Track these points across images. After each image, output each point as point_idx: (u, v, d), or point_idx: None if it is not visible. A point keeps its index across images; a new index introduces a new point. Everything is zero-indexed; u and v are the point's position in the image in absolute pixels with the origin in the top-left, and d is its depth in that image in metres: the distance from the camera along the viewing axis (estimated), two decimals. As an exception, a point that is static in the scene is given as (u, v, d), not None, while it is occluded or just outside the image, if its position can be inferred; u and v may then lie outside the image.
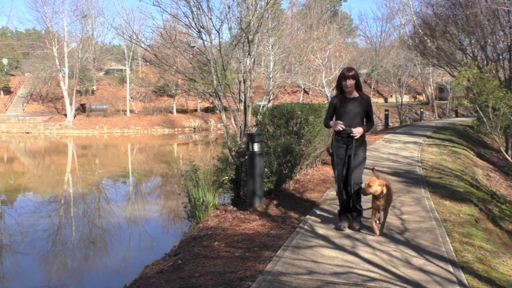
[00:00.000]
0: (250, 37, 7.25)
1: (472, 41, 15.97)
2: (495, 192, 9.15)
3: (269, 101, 15.96)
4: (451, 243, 4.23)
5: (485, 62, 15.53)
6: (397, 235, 4.40)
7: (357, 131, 4.33)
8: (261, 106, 8.73)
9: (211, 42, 7.34)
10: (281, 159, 6.23)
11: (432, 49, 18.26)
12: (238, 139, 7.18)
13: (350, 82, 4.40)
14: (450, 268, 3.54)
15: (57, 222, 9.44)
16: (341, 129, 4.35)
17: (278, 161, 6.13)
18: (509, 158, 11.03)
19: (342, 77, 4.44)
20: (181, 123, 35.82)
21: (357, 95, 4.50)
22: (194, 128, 35.63)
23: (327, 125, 4.69)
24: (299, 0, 43.47)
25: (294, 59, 22.06)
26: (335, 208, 5.56)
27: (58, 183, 15.28)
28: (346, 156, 4.44)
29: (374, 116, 4.95)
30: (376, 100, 46.56)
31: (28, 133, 31.90)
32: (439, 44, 17.39)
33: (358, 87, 4.47)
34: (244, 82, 7.43)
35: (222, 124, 8.39)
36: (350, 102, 4.46)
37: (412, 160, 9.93)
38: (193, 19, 7.11)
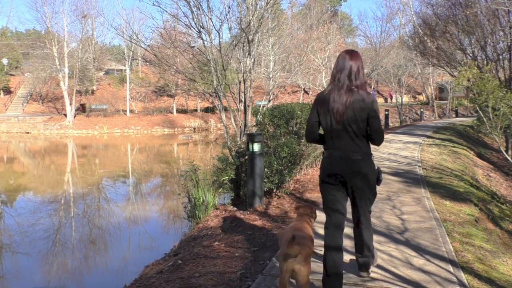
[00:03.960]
0: (250, 37, 7.25)
1: (472, 41, 15.98)
2: (495, 192, 9.15)
3: (269, 101, 15.96)
4: (451, 243, 4.23)
5: (485, 62, 15.53)
6: (397, 235, 4.40)
7: None
8: (261, 106, 8.74)
9: (211, 42, 7.34)
10: (281, 159, 6.23)
11: (432, 49, 18.26)
12: (238, 139, 7.18)
13: None
14: (450, 268, 3.54)
15: (57, 222, 9.44)
16: None
17: (278, 161, 6.12)
18: (509, 158, 11.04)
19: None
20: (181, 123, 35.82)
21: None
22: (194, 128, 35.64)
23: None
24: (299, 0, 43.45)
25: (294, 59, 22.05)
26: (335, 208, 5.54)
27: (58, 183, 15.28)
28: None
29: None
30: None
31: (28, 133, 31.90)
32: (439, 44, 17.39)
33: None
34: (244, 82, 7.44)
35: (222, 124, 8.39)
36: None
37: (412, 160, 9.93)
38: (193, 19, 7.12)
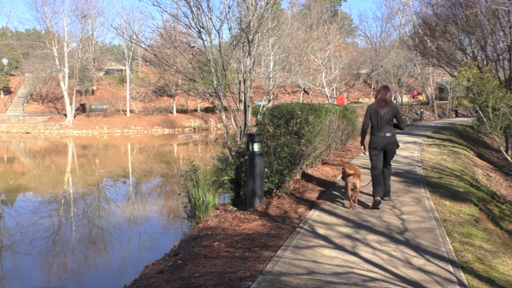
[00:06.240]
0: (250, 37, 7.25)
1: (472, 41, 15.97)
2: (495, 192, 9.15)
3: (269, 101, 15.96)
4: (451, 243, 4.23)
5: (485, 62, 15.52)
6: (397, 235, 4.40)
7: None
8: (261, 106, 8.73)
9: (211, 42, 7.34)
10: (281, 159, 6.23)
11: (432, 49, 18.25)
12: (238, 139, 7.18)
13: None
14: (450, 268, 3.54)
15: (57, 222, 9.44)
16: None
17: (278, 161, 6.12)
18: (509, 158, 11.04)
19: None
20: (181, 123, 35.82)
21: None
22: (194, 128, 35.63)
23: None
24: (299, 0, 43.47)
25: (294, 59, 22.02)
26: (335, 208, 5.58)
27: (58, 183, 15.28)
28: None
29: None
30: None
31: (28, 133, 31.90)
32: (439, 44, 17.38)
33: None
34: (244, 82, 7.43)
35: (222, 124, 8.40)
36: None
37: (412, 160, 9.93)
38: (193, 19, 7.11)
